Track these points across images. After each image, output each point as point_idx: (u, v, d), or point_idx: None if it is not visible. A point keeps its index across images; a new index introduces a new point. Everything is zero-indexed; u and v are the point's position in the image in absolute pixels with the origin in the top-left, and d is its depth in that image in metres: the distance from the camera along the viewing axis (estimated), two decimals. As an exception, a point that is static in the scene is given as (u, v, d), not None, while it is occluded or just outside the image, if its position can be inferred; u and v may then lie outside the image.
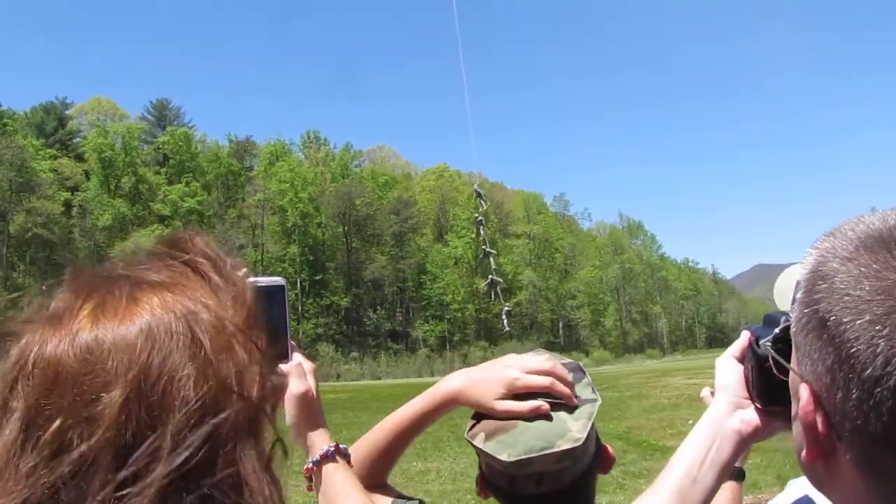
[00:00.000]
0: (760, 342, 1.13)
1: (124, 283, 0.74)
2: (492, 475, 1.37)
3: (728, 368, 1.22)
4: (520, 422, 1.32)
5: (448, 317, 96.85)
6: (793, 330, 0.84)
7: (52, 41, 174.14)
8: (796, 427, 0.85)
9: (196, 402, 0.68)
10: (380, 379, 75.64)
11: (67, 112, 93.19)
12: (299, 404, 1.35)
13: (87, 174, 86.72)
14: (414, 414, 1.50)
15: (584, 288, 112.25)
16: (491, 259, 50.01)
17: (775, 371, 1.04)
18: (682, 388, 29.04)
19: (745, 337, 1.21)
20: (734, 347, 1.23)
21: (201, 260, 0.80)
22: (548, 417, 1.32)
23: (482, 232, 49.11)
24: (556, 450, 1.27)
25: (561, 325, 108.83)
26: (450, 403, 1.46)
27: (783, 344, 1.01)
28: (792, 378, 0.89)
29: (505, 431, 1.31)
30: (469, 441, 1.38)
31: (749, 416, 1.17)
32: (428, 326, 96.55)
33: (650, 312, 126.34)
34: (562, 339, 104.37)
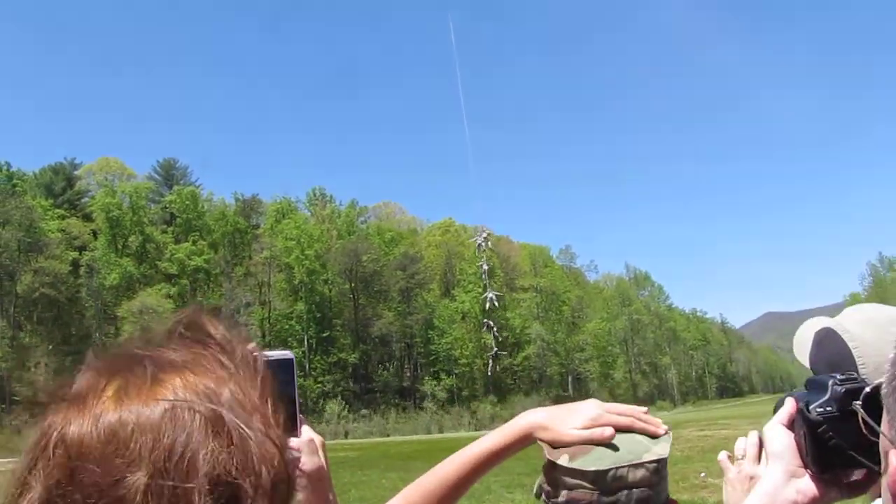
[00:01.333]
0: (811, 407, 1.10)
1: (147, 363, 0.74)
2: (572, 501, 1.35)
3: (778, 436, 1.19)
4: (602, 445, 1.35)
5: (456, 371, 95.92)
6: (884, 391, 0.81)
7: (61, 103, 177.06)
8: (885, 493, 0.81)
9: (219, 478, 0.68)
10: (389, 436, 74.71)
11: (76, 172, 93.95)
12: (311, 481, 1.31)
13: (94, 234, 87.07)
14: (489, 449, 1.46)
15: (592, 340, 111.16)
16: (490, 303, 50.06)
17: (866, 432, 1.00)
18: (694, 440, 28.59)
19: (790, 404, 1.19)
20: (781, 415, 1.21)
21: (216, 339, 0.80)
22: (614, 447, 1.34)
23: (485, 278, 49.31)
24: (643, 460, 1.31)
25: (570, 378, 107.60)
26: (528, 438, 1.45)
27: (872, 405, 0.98)
28: (882, 442, 0.85)
29: (588, 451, 1.34)
30: (550, 464, 1.38)
31: (805, 486, 1.15)
32: (436, 382, 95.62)
33: (659, 364, 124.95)
34: (571, 392, 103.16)
